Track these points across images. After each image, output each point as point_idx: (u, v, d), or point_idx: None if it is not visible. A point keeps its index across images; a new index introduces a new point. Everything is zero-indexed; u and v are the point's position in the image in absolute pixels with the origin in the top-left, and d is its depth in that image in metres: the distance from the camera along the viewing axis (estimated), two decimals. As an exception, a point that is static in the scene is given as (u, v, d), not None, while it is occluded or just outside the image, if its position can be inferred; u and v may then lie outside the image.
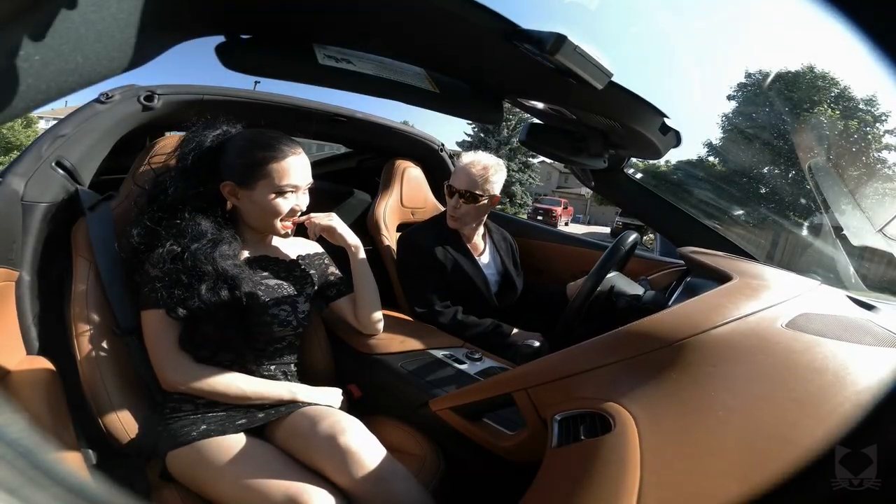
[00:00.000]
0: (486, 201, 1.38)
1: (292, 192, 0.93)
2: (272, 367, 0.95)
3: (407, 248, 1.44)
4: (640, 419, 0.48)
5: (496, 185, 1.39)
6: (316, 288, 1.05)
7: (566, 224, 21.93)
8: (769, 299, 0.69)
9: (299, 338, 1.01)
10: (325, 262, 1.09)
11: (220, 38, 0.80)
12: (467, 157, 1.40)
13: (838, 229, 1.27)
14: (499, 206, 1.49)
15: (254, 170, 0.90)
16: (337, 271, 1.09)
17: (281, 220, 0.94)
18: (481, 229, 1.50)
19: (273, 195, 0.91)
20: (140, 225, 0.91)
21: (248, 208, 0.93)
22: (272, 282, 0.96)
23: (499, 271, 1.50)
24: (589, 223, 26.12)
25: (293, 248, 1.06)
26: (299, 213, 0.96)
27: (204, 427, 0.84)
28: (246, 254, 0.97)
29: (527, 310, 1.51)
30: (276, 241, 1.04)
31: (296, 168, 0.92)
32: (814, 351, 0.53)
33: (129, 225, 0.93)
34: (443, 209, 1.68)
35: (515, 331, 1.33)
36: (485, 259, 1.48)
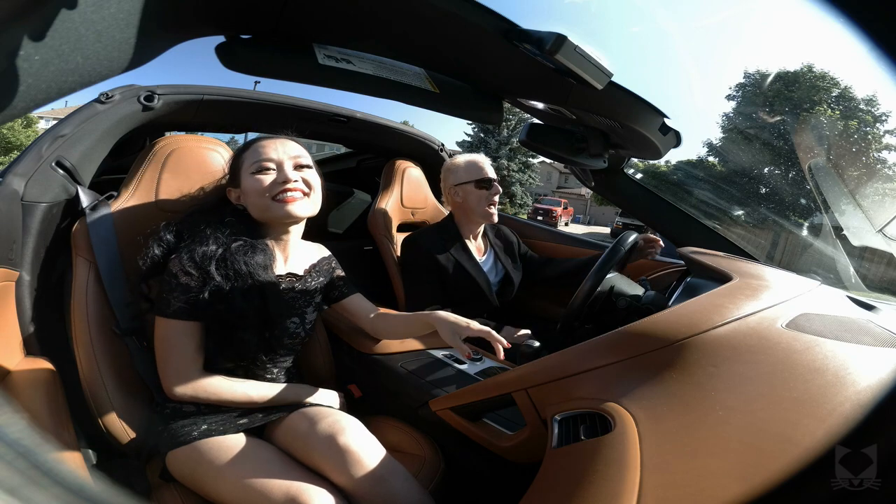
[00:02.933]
0: None
1: (272, 166, 0.89)
2: (275, 371, 0.95)
3: (410, 250, 1.47)
4: (641, 419, 0.48)
5: None
6: (322, 295, 1.05)
7: (566, 224, 21.96)
8: (769, 299, 0.69)
9: (302, 343, 1.01)
10: (333, 265, 1.08)
11: (220, 38, 0.80)
12: (470, 154, 1.52)
13: (838, 229, 1.27)
14: (499, 206, 1.51)
15: (235, 165, 0.93)
16: (342, 272, 1.09)
17: (275, 197, 0.88)
18: (481, 229, 1.54)
19: (253, 176, 0.89)
20: (172, 227, 0.89)
21: (248, 204, 0.91)
22: (287, 296, 0.95)
23: (499, 270, 1.55)
24: (589, 223, 26.14)
25: (306, 257, 1.04)
26: (288, 184, 0.88)
27: (204, 427, 0.84)
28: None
29: (555, 285, 1.60)
30: (293, 253, 1.00)
31: (269, 146, 0.90)
32: (814, 351, 0.53)
33: (160, 228, 0.89)
34: (446, 212, 1.70)
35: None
36: (486, 260, 1.53)
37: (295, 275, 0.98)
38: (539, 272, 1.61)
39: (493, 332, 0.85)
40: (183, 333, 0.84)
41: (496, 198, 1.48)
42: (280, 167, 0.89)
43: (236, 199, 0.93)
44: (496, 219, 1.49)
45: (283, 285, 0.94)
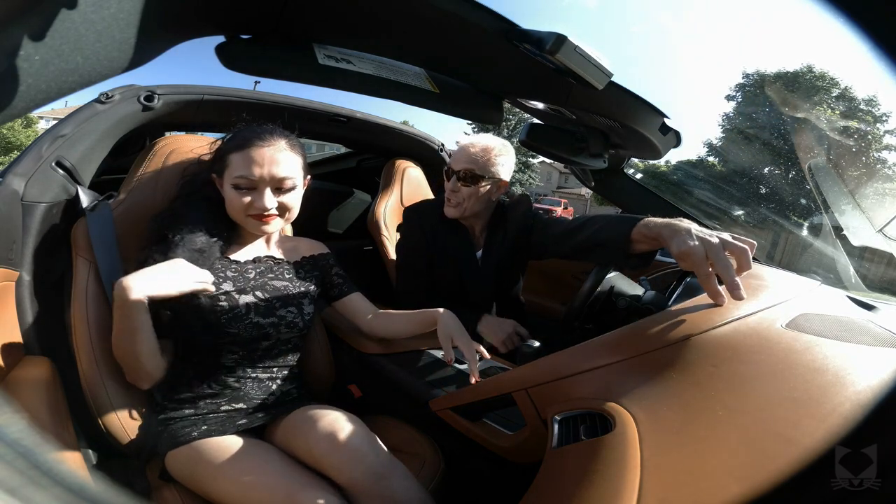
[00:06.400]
0: (488, 186, 1.22)
1: (249, 186, 0.87)
2: (275, 369, 0.95)
3: (406, 224, 1.37)
4: (641, 419, 0.48)
5: (502, 169, 1.23)
6: (320, 289, 1.05)
7: (566, 224, 21.92)
8: (769, 299, 0.69)
9: (304, 339, 1.01)
10: (330, 262, 1.09)
11: (220, 38, 0.80)
12: (467, 139, 1.27)
13: (838, 229, 1.26)
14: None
15: (222, 159, 0.90)
16: (340, 271, 1.09)
17: (250, 217, 0.89)
18: (482, 220, 1.33)
19: (233, 188, 0.87)
20: (154, 220, 0.93)
21: (226, 203, 0.91)
22: (279, 283, 0.96)
23: (496, 263, 1.32)
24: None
25: (298, 248, 1.06)
26: (267, 213, 0.88)
27: (204, 427, 0.84)
28: (252, 254, 0.97)
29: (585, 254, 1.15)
30: (281, 242, 1.04)
31: (255, 160, 0.86)
32: (814, 351, 0.53)
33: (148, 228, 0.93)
34: None
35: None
36: (484, 253, 1.34)
37: (279, 260, 1.00)
38: (554, 249, 1.21)
39: (474, 364, 0.88)
40: None
41: (452, 195, 1.23)
42: (259, 191, 0.88)
43: (219, 186, 0.93)
44: (450, 213, 1.26)
45: (266, 271, 0.96)
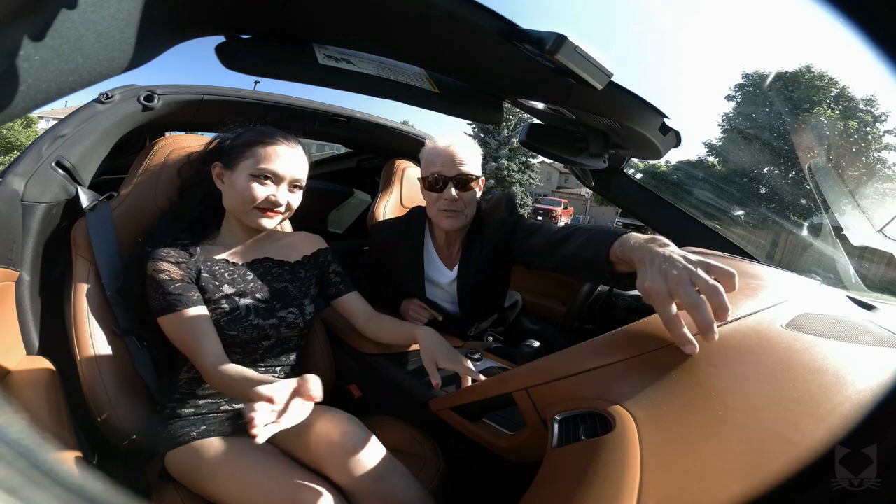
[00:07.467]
0: (479, 186, 1.20)
1: (270, 179, 0.89)
2: (277, 369, 0.95)
3: (372, 237, 1.36)
4: (641, 419, 0.48)
5: (480, 165, 1.22)
6: (318, 287, 1.05)
7: (566, 225, 21.98)
8: (769, 299, 0.69)
9: (304, 338, 1.01)
10: (329, 258, 1.08)
11: (220, 38, 0.80)
12: (442, 142, 1.18)
13: (838, 229, 1.26)
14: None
15: (239, 150, 0.91)
16: (338, 268, 1.09)
17: (257, 209, 0.90)
18: (458, 235, 1.26)
19: (249, 177, 0.88)
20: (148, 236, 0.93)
21: (228, 193, 0.92)
22: (279, 284, 0.96)
23: (474, 274, 1.23)
24: (589, 223, 26.16)
25: (297, 247, 1.06)
26: (276, 206, 0.90)
27: (204, 427, 0.84)
28: (251, 256, 0.97)
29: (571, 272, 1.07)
30: (279, 240, 1.04)
31: (281, 156, 0.90)
32: (814, 351, 0.53)
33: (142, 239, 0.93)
34: None
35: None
36: (452, 273, 1.26)
37: (278, 261, 1.00)
38: (538, 262, 1.13)
39: (468, 369, 0.88)
40: (171, 324, 0.83)
41: (454, 204, 1.14)
42: (278, 185, 0.91)
43: (218, 176, 0.93)
44: (452, 225, 1.17)
45: (266, 272, 0.96)
